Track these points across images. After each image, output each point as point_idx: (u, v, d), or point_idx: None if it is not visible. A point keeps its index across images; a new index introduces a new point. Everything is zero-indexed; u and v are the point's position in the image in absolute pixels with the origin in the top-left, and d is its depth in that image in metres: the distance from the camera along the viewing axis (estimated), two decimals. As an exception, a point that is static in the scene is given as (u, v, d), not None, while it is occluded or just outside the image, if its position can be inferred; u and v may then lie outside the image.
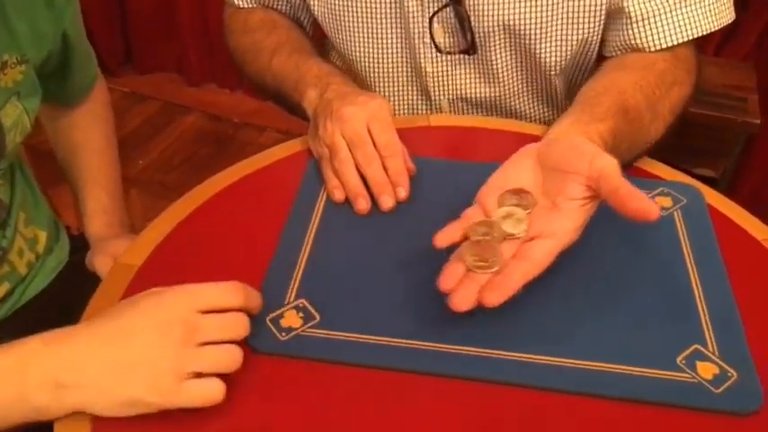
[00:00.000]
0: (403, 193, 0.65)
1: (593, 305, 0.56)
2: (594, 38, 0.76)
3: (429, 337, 0.53)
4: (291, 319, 0.54)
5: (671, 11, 0.70)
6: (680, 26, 0.70)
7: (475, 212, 0.56)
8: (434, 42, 0.77)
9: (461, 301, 0.49)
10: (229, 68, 1.97)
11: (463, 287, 0.50)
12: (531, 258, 0.51)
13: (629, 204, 0.50)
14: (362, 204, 0.64)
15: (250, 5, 0.87)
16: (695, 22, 0.71)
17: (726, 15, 0.73)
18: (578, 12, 0.73)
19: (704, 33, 0.71)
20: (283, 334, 0.53)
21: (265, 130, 1.89)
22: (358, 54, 0.82)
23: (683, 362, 0.52)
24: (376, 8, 0.78)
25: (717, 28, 0.72)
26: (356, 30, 0.80)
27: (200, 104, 2.02)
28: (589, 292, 0.57)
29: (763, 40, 1.45)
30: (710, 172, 1.68)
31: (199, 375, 0.45)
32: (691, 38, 0.71)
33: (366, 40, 0.81)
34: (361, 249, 0.61)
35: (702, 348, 0.53)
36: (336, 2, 0.78)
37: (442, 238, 0.53)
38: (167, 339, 0.45)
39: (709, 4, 0.71)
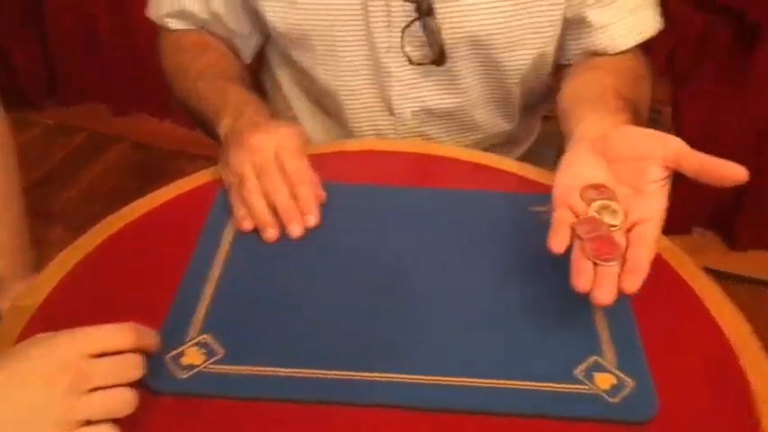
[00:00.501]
0: (312, 220, 0.65)
1: (490, 323, 0.57)
2: (552, 47, 0.80)
3: (337, 365, 0.53)
4: (192, 356, 0.53)
5: (624, 17, 0.78)
6: (637, 29, 0.79)
7: (565, 214, 0.56)
8: (406, 55, 0.78)
9: (606, 295, 0.51)
10: (158, 96, 1.94)
11: (601, 283, 0.51)
12: (646, 242, 0.53)
13: (718, 173, 0.53)
14: (270, 233, 0.64)
15: (184, 27, 0.86)
16: (644, 25, 0.80)
17: (660, 21, 0.81)
18: (539, 22, 0.78)
19: (652, 35, 0.80)
20: (184, 372, 0.52)
21: (197, 159, 1.87)
22: (321, 70, 0.82)
23: (582, 374, 0.53)
24: (340, 23, 0.78)
25: (657, 31, 0.81)
26: (319, 46, 0.80)
27: (129, 134, 1.98)
28: (486, 310, 0.58)
29: (674, 55, 1.51)
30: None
31: (90, 423, 0.44)
32: (644, 39, 0.80)
33: (329, 55, 0.81)
34: (270, 279, 0.61)
35: (600, 359, 0.54)
36: (299, 18, 0.78)
37: (558, 243, 0.54)
38: (54, 388, 0.43)
39: (651, 11, 0.81)
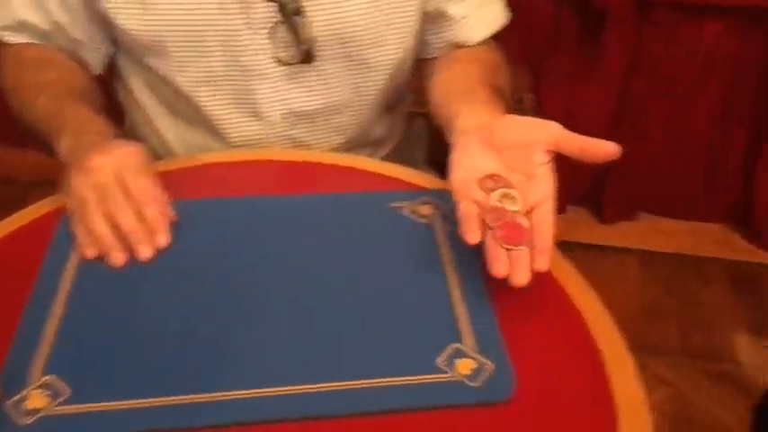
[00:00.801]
0: (162, 240, 0.63)
1: (350, 323, 0.57)
2: (412, 42, 0.83)
3: (193, 389, 0.51)
4: (36, 399, 0.50)
5: (478, 9, 0.83)
6: (488, 21, 0.84)
7: (470, 207, 0.59)
8: (275, 56, 0.77)
9: (523, 277, 0.55)
10: (14, 125, 1.82)
11: (516, 266, 0.55)
12: (547, 223, 0.57)
13: (594, 151, 0.59)
14: (117, 258, 0.61)
15: (24, 41, 0.81)
16: (494, 18, 0.85)
17: (506, 14, 0.87)
18: (399, 18, 0.80)
19: (501, 27, 0.86)
20: (28, 417, 0.48)
21: (53, 187, 1.77)
22: (180, 77, 0.79)
23: (443, 363, 0.54)
24: (197, 27, 0.75)
25: (505, 24, 0.86)
26: (176, 51, 0.77)
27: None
28: (345, 310, 0.58)
29: (529, 46, 1.58)
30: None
31: None
32: (495, 31, 0.85)
33: (188, 61, 0.78)
34: (116, 309, 0.58)
35: (460, 346, 0.56)
36: (153, 23, 0.75)
37: (472, 235, 0.57)
38: None
39: (498, 5, 0.86)
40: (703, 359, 1.46)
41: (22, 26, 0.80)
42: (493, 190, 0.60)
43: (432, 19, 0.83)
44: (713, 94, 1.54)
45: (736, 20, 1.44)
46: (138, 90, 0.86)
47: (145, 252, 0.62)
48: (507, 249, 0.56)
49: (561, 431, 0.51)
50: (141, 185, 0.64)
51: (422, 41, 0.86)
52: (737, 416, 1.33)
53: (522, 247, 0.56)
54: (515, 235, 0.57)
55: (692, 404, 1.37)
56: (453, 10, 0.82)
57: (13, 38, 0.81)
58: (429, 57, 0.87)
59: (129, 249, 0.62)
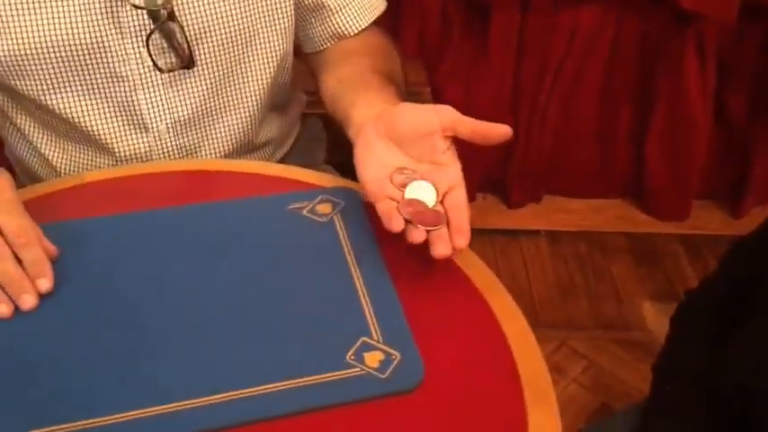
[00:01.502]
0: (46, 284, 0.58)
1: (258, 328, 0.57)
2: (289, 40, 0.84)
3: (82, 414, 0.50)
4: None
5: None
6: (367, 9, 0.85)
7: (387, 204, 0.59)
8: (155, 64, 0.75)
9: (444, 248, 0.57)
10: None
11: (436, 242, 0.57)
12: (461, 205, 0.59)
13: (487, 133, 0.61)
14: (2, 311, 0.56)
15: None
16: (375, 3, 0.86)
17: (385, 1, 0.88)
18: (273, 16, 0.81)
19: (382, 12, 0.87)
20: None
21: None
22: (54, 98, 0.75)
23: (353, 357, 0.55)
24: (63, 42, 0.72)
25: (384, 9, 0.87)
26: (45, 71, 0.73)
27: None
28: (251, 316, 0.58)
29: (423, 39, 1.61)
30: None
31: None
32: (378, 15, 0.86)
33: (60, 79, 0.74)
34: (5, 336, 0.55)
35: (368, 339, 0.56)
36: (19, 47, 0.71)
37: (396, 224, 0.58)
38: None
39: None
40: (615, 329, 1.53)
41: None
42: (404, 184, 0.61)
43: (311, 12, 0.84)
44: (597, 74, 1.61)
45: (611, 3, 1.52)
46: (13, 115, 0.82)
47: (28, 302, 0.57)
48: (427, 231, 0.58)
49: (471, 415, 0.52)
50: (16, 224, 0.58)
51: (306, 36, 0.87)
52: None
53: (440, 227, 0.58)
54: (432, 220, 0.58)
55: (609, 374, 1.43)
56: (329, 1, 0.83)
57: None
58: (316, 51, 0.87)
59: (11, 300, 0.57)
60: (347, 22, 0.84)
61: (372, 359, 0.55)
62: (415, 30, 1.57)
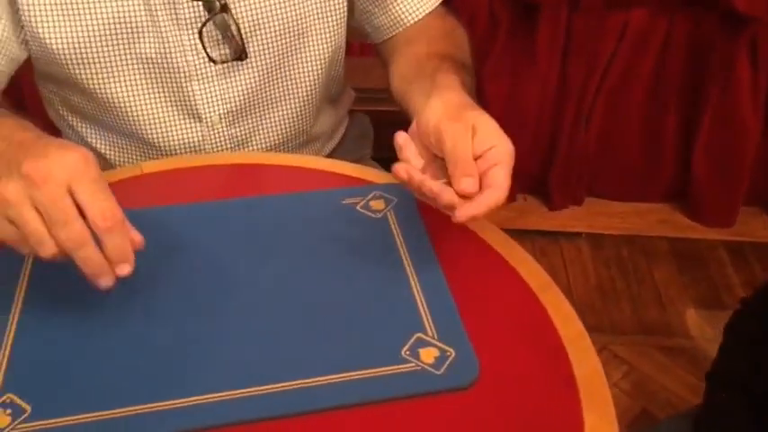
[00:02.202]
0: (127, 269, 0.52)
1: (316, 320, 0.58)
2: (342, 31, 0.84)
3: (153, 398, 0.51)
4: (-3, 419, 0.49)
5: None
6: None
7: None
8: (208, 55, 0.76)
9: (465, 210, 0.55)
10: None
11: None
12: (500, 185, 0.56)
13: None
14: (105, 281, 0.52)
15: None
16: None
17: None
18: (326, 7, 0.81)
19: (440, 1, 0.85)
20: (-11, 438, 0.48)
21: None
22: (109, 87, 0.77)
23: (408, 353, 0.55)
24: (124, 32, 0.74)
25: None
26: (103, 61, 0.75)
27: None
28: (309, 306, 0.59)
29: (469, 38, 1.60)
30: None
31: None
32: (436, 4, 0.85)
33: (116, 69, 0.76)
34: (71, 322, 0.57)
35: (423, 335, 0.56)
36: (83, 35, 0.73)
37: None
38: None
39: None
40: (657, 335, 1.50)
41: None
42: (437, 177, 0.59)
43: (372, 1, 0.84)
44: (646, 75, 1.59)
45: (663, 2, 1.49)
46: (67, 113, 0.84)
47: (107, 283, 0.52)
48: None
49: (526, 413, 0.52)
50: (103, 206, 0.51)
51: (371, 27, 0.87)
52: (692, 388, 1.38)
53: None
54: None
55: (650, 380, 1.41)
56: None
57: None
58: (382, 41, 0.87)
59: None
60: (407, 9, 0.84)
61: (428, 355, 0.55)
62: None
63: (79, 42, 0.74)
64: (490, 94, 1.60)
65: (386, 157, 1.12)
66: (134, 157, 0.85)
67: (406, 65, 0.80)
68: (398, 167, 0.58)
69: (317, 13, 0.81)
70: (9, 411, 0.49)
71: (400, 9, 0.84)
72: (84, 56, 0.75)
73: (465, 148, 0.57)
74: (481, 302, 0.60)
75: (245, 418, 0.50)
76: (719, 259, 1.69)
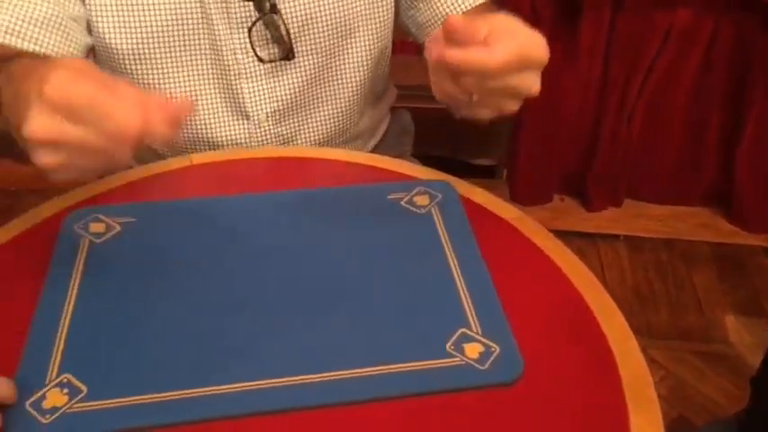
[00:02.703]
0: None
1: (361, 312, 0.58)
2: (389, 31, 0.84)
3: (202, 382, 0.52)
4: (55, 398, 0.50)
5: None
6: None
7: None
8: (256, 54, 0.77)
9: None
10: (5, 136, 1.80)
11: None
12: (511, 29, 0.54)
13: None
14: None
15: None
16: None
17: None
18: (375, 8, 0.81)
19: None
20: (47, 416, 0.49)
21: (44, 193, 1.76)
22: (163, 83, 0.79)
23: (452, 347, 0.55)
24: (180, 31, 0.76)
25: None
26: (160, 57, 0.77)
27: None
28: (354, 299, 0.60)
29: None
30: (489, 161, 1.81)
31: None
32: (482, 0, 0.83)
33: (171, 66, 0.78)
34: (123, 306, 0.58)
35: (467, 331, 0.57)
36: (141, 33, 0.75)
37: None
38: None
39: None
40: (695, 341, 1.48)
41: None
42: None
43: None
44: (689, 78, 1.57)
45: (708, 3, 1.47)
46: None
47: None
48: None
49: (570, 413, 0.52)
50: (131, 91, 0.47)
51: (416, 25, 0.86)
52: (730, 395, 1.36)
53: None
54: None
55: (687, 385, 1.40)
56: None
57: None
58: (426, 39, 0.86)
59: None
60: (452, 3, 0.83)
61: (472, 350, 0.55)
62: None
63: (137, 40, 0.76)
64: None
65: (426, 154, 1.13)
66: (183, 150, 0.86)
67: None
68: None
69: (365, 14, 0.82)
70: (66, 391, 0.51)
71: (444, 3, 0.83)
72: (142, 53, 0.77)
73: (475, 23, 0.53)
74: (525, 299, 0.61)
75: (289, 405, 0.51)
76: (761, 265, 1.66)
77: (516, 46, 0.53)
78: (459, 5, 0.83)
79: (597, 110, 1.63)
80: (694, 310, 1.55)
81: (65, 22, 0.73)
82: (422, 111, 1.12)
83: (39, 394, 0.51)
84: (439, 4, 0.84)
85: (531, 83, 0.56)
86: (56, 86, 0.46)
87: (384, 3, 0.83)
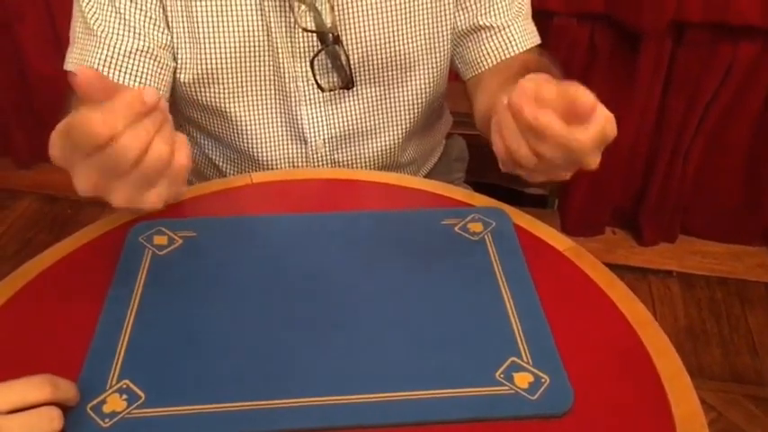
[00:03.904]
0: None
1: (412, 335, 0.59)
2: (445, 64, 0.86)
3: (258, 396, 0.53)
4: (114, 403, 0.52)
5: (517, 20, 0.84)
6: (529, 32, 0.85)
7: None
8: (317, 83, 0.80)
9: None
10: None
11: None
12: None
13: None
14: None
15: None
16: (531, 31, 0.86)
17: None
18: (434, 36, 0.83)
19: (536, 43, 0.85)
20: (106, 420, 0.51)
21: (107, 204, 1.82)
22: (229, 106, 0.82)
23: (502, 375, 0.55)
24: (247, 59, 0.79)
25: (538, 41, 0.86)
26: (227, 82, 0.80)
27: (34, 187, 1.91)
28: (406, 322, 0.60)
29: (568, 67, 1.59)
30: (540, 190, 1.80)
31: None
32: (536, 43, 0.85)
33: (237, 91, 0.81)
34: (183, 318, 0.60)
35: (518, 360, 0.57)
36: (207, 60, 0.79)
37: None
38: (-35, 449, 0.42)
39: (533, 25, 0.87)
40: (748, 384, 1.44)
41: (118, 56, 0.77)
42: None
43: (469, 35, 0.85)
44: (750, 114, 1.53)
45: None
46: (190, 118, 0.89)
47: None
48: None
49: (619, 446, 0.51)
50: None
51: (462, 61, 0.87)
52: (785, 442, 1.31)
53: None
54: None
55: (738, 429, 1.35)
56: (491, 21, 0.83)
57: (68, 65, 0.79)
58: (474, 75, 0.88)
59: None
60: (508, 43, 0.84)
61: (522, 380, 0.55)
62: (558, 55, 1.56)
63: (206, 67, 0.79)
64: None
65: (478, 181, 1.13)
66: (244, 169, 0.89)
67: (495, 84, 0.80)
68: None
69: (425, 49, 0.84)
70: (125, 397, 0.53)
71: (497, 43, 0.84)
72: (210, 79, 0.80)
73: (568, 90, 0.53)
74: (576, 331, 0.60)
75: (338, 424, 0.52)
76: (820, 309, 1.60)
77: (602, 127, 0.54)
78: (509, 49, 0.84)
79: (653, 143, 1.61)
80: (748, 351, 1.50)
81: (156, 51, 0.78)
82: (476, 137, 1.13)
83: (99, 398, 0.52)
84: (488, 45, 0.85)
85: (595, 160, 0.55)
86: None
87: (443, 39, 0.84)
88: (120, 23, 0.76)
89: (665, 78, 1.52)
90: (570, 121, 0.53)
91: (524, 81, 0.55)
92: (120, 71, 0.76)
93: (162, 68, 0.79)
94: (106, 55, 0.76)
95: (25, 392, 0.45)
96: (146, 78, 0.77)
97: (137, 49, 0.77)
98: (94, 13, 0.76)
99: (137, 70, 0.77)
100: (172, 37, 0.78)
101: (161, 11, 0.77)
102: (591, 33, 1.51)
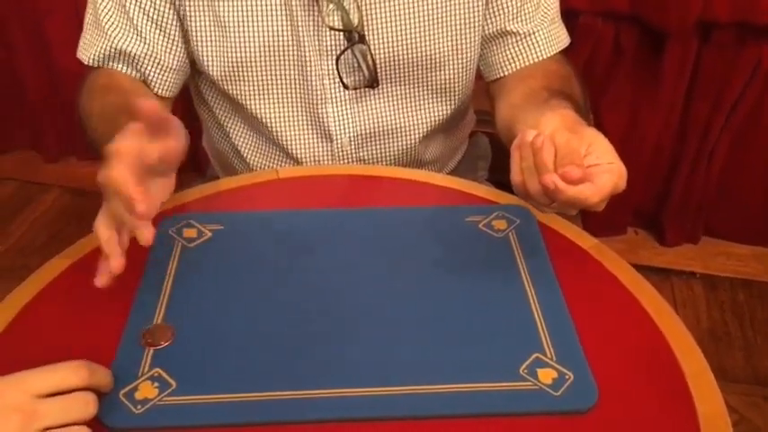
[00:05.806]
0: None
1: (437, 330, 0.60)
2: (473, 65, 0.87)
3: (287, 386, 0.54)
4: (146, 390, 0.53)
5: (545, 27, 0.84)
6: (555, 38, 0.85)
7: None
8: (342, 81, 0.81)
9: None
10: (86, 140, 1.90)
11: None
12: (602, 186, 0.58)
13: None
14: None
15: (93, 64, 0.82)
16: (560, 36, 0.86)
17: (568, 36, 0.88)
18: (462, 39, 0.83)
19: (563, 47, 0.86)
20: (138, 407, 0.52)
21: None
22: (255, 103, 0.84)
23: (526, 371, 0.56)
24: (273, 56, 0.80)
25: (568, 43, 0.87)
26: (253, 79, 0.82)
27: (61, 180, 1.94)
28: (432, 319, 0.61)
29: (590, 65, 1.59)
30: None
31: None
32: (562, 48, 0.86)
33: (264, 88, 0.83)
34: (213, 309, 0.61)
35: (542, 356, 0.57)
36: (233, 55, 0.80)
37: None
38: (3, 430, 0.43)
39: (563, 28, 0.88)
40: (772, 387, 1.43)
41: (117, 54, 0.80)
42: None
43: (495, 39, 0.85)
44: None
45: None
46: (221, 116, 0.91)
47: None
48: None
49: (643, 444, 0.52)
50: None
51: (485, 64, 0.88)
52: (807, 446, 1.30)
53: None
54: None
55: (761, 432, 1.35)
56: (517, 27, 0.83)
57: (84, 57, 0.82)
58: (496, 78, 0.88)
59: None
60: (533, 49, 0.84)
61: (546, 376, 0.55)
62: (583, 54, 1.56)
63: (233, 64, 0.81)
64: (608, 123, 1.57)
65: (500, 179, 1.13)
66: (271, 161, 0.90)
67: (518, 95, 0.80)
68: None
69: (452, 50, 0.84)
70: (157, 385, 0.54)
71: (521, 49, 0.84)
72: (236, 76, 0.82)
73: (577, 147, 0.58)
74: (600, 328, 0.61)
75: (363, 415, 0.53)
76: None
77: (612, 184, 0.58)
78: (532, 55, 0.84)
79: (677, 144, 1.60)
80: (772, 355, 1.49)
81: (159, 56, 0.80)
82: (498, 136, 1.13)
83: (132, 386, 0.54)
84: (512, 50, 0.85)
85: (602, 207, 0.60)
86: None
87: (471, 42, 0.84)
88: (128, 27, 0.79)
89: (690, 78, 1.51)
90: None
91: (551, 135, 0.59)
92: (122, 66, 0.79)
93: (165, 71, 0.81)
94: (109, 48, 0.79)
95: (63, 377, 0.47)
96: (151, 78, 0.81)
97: (141, 54, 0.79)
98: (108, 10, 0.80)
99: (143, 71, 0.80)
100: (197, 37, 0.80)
101: (173, 14, 0.79)
102: (616, 33, 1.50)
